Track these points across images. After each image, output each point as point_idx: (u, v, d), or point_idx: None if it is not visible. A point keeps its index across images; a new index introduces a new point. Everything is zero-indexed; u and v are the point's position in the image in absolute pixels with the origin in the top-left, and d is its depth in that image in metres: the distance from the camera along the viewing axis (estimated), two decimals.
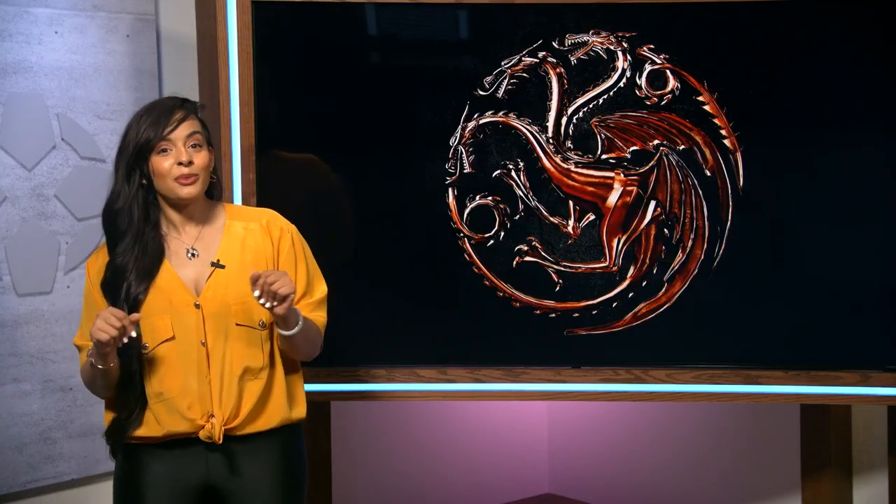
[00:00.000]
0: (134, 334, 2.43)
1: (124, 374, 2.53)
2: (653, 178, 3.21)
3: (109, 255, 2.56)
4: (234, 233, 2.62)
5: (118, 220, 2.54)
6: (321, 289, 2.70)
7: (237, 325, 2.55)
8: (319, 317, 2.67)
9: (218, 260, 2.55)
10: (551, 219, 3.23)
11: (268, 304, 2.46)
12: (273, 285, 2.44)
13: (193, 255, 2.59)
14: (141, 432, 2.55)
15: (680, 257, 3.22)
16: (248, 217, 2.67)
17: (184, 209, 2.59)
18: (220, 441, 2.53)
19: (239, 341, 2.56)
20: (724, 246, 3.20)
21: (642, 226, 3.22)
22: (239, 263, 2.58)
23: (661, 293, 3.23)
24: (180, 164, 2.52)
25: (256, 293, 2.44)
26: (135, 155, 2.53)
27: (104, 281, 2.55)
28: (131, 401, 2.54)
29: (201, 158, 2.55)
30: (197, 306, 2.54)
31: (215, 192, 2.67)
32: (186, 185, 2.53)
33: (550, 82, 3.20)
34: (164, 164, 2.53)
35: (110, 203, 2.57)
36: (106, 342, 2.40)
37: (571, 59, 3.19)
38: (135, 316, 2.43)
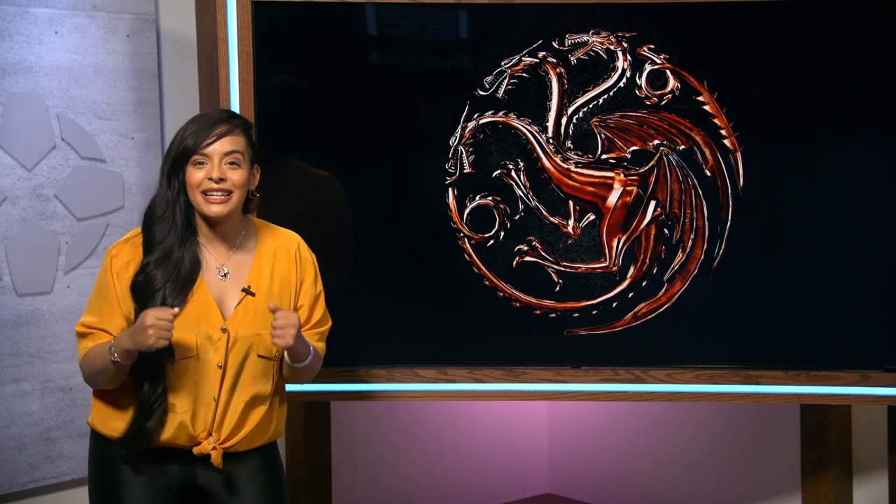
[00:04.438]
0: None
1: (146, 377, 2.49)
2: (653, 178, 3.20)
3: (145, 257, 2.52)
4: (265, 258, 2.61)
5: (159, 225, 2.52)
6: (329, 321, 2.71)
7: (259, 356, 2.55)
8: (321, 346, 2.69)
9: (249, 286, 2.55)
10: (551, 219, 3.23)
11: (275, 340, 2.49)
12: (279, 329, 2.46)
13: (225, 275, 2.57)
14: None
15: (680, 257, 3.22)
16: (278, 239, 2.65)
17: (217, 224, 2.55)
18: (220, 464, 2.53)
19: (254, 369, 2.56)
20: (724, 246, 3.20)
21: (642, 226, 3.22)
22: (267, 293, 2.57)
23: (661, 293, 3.23)
24: (210, 179, 2.49)
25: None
26: (173, 161, 2.51)
27: (135, 283, 2.51)
28: (156, 405, 2.50)
29: (237, 176, 2.51)
30: (224, 330, 2.53)
31: (250, 206, 2.63)
32: (213, 204, 2.50)
33: (550, 82, 3.20)
34: (196, 176, 2.50)
35: (152, 206, 2.55)
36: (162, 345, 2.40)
37: (571, 59, 3.19)
38: (175, 310, 2.41)
